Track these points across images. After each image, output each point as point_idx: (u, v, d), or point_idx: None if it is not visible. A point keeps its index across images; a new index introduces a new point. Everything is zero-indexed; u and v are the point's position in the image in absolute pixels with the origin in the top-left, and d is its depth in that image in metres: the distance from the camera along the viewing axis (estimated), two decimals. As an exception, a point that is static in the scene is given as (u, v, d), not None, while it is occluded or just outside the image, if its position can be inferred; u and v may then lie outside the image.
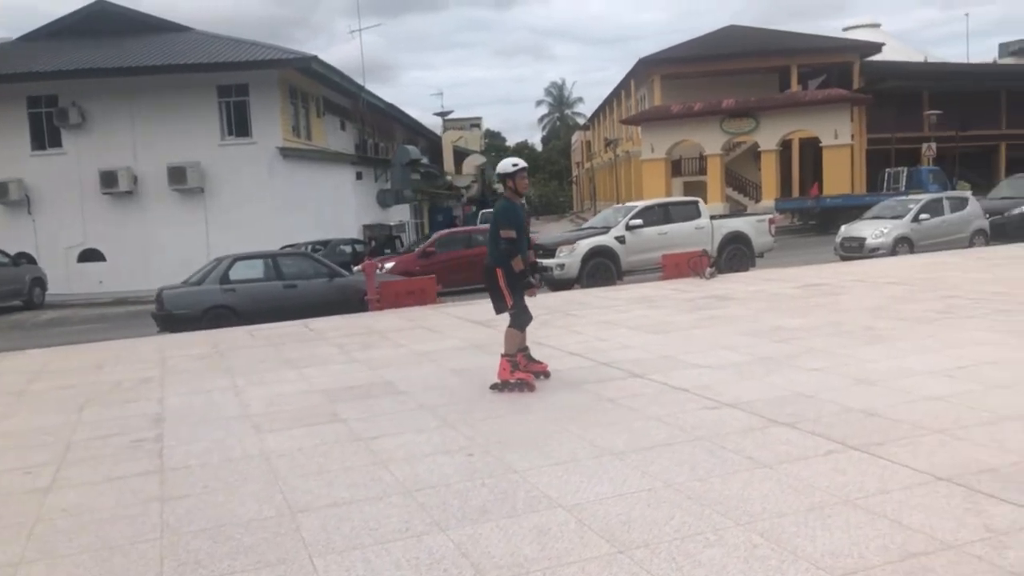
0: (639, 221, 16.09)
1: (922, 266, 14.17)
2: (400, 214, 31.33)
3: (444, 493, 4.47)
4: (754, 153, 37.95)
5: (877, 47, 41.50)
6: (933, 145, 36.99)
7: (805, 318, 9.39)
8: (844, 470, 4.41)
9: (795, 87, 40.51)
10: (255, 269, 13.69)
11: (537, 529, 3.90)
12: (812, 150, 37.42)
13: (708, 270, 14.59)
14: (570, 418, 5.78)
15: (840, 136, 34.84)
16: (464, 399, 6.60)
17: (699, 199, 17.96)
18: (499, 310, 6.79)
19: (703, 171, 37.95)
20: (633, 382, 6.80)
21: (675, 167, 41.36)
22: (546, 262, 15.74)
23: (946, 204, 19.09)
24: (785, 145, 38.30)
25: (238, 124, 25.74)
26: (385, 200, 28.62)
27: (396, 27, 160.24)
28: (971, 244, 18.63)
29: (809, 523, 3.77)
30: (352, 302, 13.41)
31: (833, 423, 5.27)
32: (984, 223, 19.26)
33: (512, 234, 6.42)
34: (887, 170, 34.66)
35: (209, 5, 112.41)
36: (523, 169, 6.54)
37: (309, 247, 20.46)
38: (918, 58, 50.25)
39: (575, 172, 79.87)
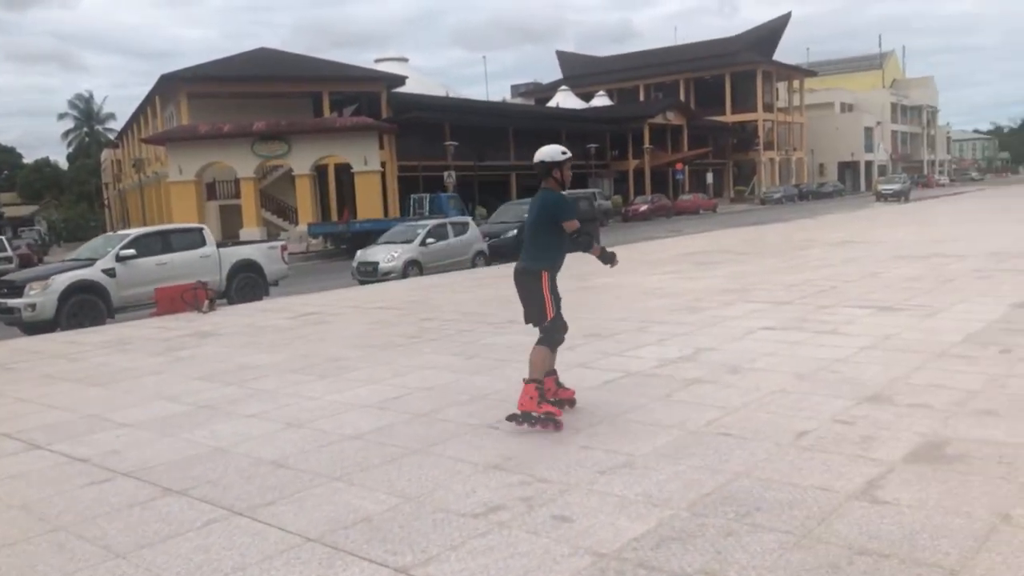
0: (132, 251, 14.40)
1: (420, 288, 14.84)
2: None
3: None
4: (292, 177, 37.68)
5: (401, 79, 44.28)
6: (453, 173, 40.49)
7: (277, 353, 8.93)
8: (207, 547, 3.85)
9: (328, 113, 41.25)
10: None
11: None
12: (347, 175, 38.35)
13: (206, 303, 13.57)
14: None
15: (370, 162, 36.15)
16: None
17: (204, 226, 16.81)
18: (536, 321, 5.58)
19: (239, 194, 36.62)
20: (26, 456, 5.58)
21: (210, 190, 39.36)
22: (12, 303, 13.33)
23: (450, 229, 20.57)
24: (321, 170, 38.72)
25: None
26: None
27: None
28: (473, 265, 20.29)
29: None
30: None
31: (234, 483, 4.73)
32: (483, 246, 21.15)
33: (577, 224, 5.47)
34: (412, 196, 36.95)
35: None
36: (571, 159, 5.61)
37: None
38: (442, 93, 54.97)
39: (106, 194, 72.16)
